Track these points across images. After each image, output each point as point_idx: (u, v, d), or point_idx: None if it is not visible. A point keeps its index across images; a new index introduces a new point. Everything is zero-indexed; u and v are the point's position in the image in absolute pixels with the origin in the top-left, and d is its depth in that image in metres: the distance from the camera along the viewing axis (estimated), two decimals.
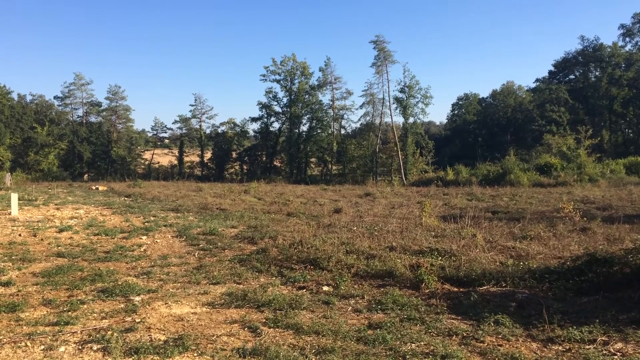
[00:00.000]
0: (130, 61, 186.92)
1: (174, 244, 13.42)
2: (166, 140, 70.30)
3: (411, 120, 54.07)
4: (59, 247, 12.71)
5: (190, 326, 6.79)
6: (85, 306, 7.68)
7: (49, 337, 6.27)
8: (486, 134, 70.31)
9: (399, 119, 59.38)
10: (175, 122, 66.79)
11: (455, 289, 8.58)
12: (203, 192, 30.08)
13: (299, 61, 58.92)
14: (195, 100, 63.78)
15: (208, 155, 63.65)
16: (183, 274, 9.93)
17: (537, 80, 75.75)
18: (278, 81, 59.25)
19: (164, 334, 6.42)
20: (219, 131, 63.53)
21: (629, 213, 17.95)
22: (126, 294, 8.33)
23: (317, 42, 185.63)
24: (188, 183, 43.22)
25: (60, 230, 15.13)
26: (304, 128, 60.31)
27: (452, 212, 19.27)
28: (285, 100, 59.66)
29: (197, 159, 63.31)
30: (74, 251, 12.22)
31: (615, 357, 5.64)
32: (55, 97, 62.99)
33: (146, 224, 16.90)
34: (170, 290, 8.72)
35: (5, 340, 6.18)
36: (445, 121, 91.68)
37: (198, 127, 63.72)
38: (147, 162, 64.48)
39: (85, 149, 57.83)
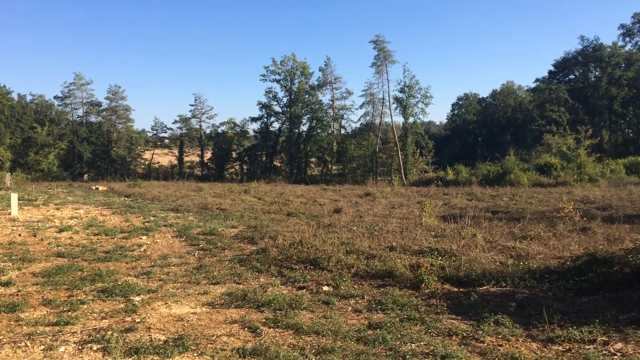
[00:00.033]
0: (130, 61, 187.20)
1: (174, 244, 13.42)
2: (166, 140, 70.33)
3: (411, 120, 54.17)
4: (59, 247, 12.71)
5: (190, 326, 6.79)
6: (85, 306, 7.68)
7: (49, 337, 6.27)
8: (486, 134, 70.32)
9: (399, 119, 59.50)
10: (175, 122, 66.90)
11: (455, 289, 8.58)
12: (203, 192, 30.08)
13: (299, 61, 59.00)
14: (195, 100, 63.93)
15: (208, 155, 63.66)
16: (183, 274, 9.93)
17: (537, 80, 75.89)
18: (278, 81, 59.33)
19: (163, 334, 6.42)
20: (219, 131, 63.60)
21: (629, 213, 17.95)
22: (126, 294, 8.33)
23: (317, 42, 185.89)
24: (188, 183, 43.22)
25: (60, 230, 15.13)
26: (304, 128, 60.45)
27: (452, 212, 19.27)
28: (285, 100, 59.75)
29: (197, 159, 63.32)
30: (73, 251, 12.21)
31: (615, 357, 5.64)
32: (55, 97, 63.15)
33: (146, 224, 16.90)
34: (170, 290, 8.72)
35: (5, 340, 6.18)
36: (445, 121, 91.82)
37: (198, 127, 63.75)
38: (147, 162, 64.50)
39: (85, 149, 57.83)
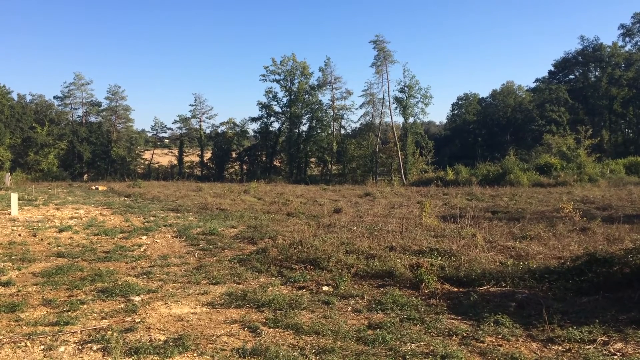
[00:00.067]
0: (130, 61, 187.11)
1: (173, 244, 13.42)
2: (166, 140, 70.31)
3: (411, 120, 54.16)
4: (59, 247, 12.71)
5: (190, 326, 6.79)
6: (85, 306, 7.68)
7: (49, 337, 6.27)
8: (486, 134, 70.32)
9: (398, 119, 59.51)
10: (175, 122, 66.88)
11: (455, 289, 8.58)
12: (203, 192, 30.08)
13: (299, 61, 59.00)
14: (195, 100, 63.93)
15: (208, 155, 63.66)
16: (183, 274, 9.93)
17: (537, 80, 75.87)
18: (278, 81, 59.34)
19: (163, 334, 6.42)
20: (219, 131, 63.60)
21: (628, 213, 17.95)
22: (126, 294, 8.33)
23: (317, 42, 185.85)
24: (188, 183, 43.22)
25: (60, 230, 15.13)
26: (304, 128, 60.45)
27: (452, 212, 19.27)
28: (285, 100, 59.76)
29: (197, 159, 63.32)
30: (73, 251, 12.21)
31: (615, 357, 5.64)
32: (55, 97, 63.13)
33: (146, 224, 16.90)
34: (170, 290, 8.72)
35: (5, 340, 6.18)
36: (445, 121, 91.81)
37: (198, 127, 63.75)
38: (147, 162, 64.50)
39: (85, 149, 57.82)
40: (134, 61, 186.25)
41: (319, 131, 59.09)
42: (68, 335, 6.37)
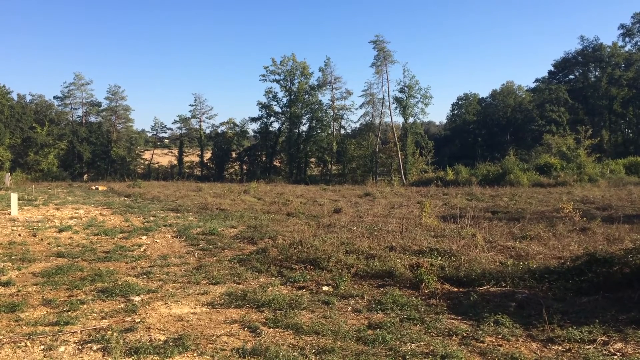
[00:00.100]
0: (130, 61, 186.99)
1: (173, 244, 13.42)
2: (166, 140, 70.31)
3: (411, 120, 54.13)
4: (59, 247, 12.71)
5: (190, 326, 6.79)
6: (85, 306, 7.68)
7: (49, 337, 6.27)
8: (486, 134, 70.32)
9: (398, 119, 59.55)
10: (175, 122, 66.83)
11: (455, 289, 8.58)
12: (203, 192, 30.08)
13: (299, 61, 58.99)
14: (195, 100, 63.88)
15: (208, 155, 63.65)
16: (183, 274, 9.93)
17: (537, 80, 75.85)
18: (278, 81, 59.32)
19: (163, 334, 6.42)
20: (219, 131, 63.58)
21: (628, 213, 17.96)
22: (126, 294, 8.33)
23: (317, 42, 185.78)
24: (188, 183, 43.22)
25: (60, 230, 15.13)
26: (304, 128, 60.43)
27: (451, 212, 19.27)
28: (285, 100, 59.74)
29: (197, 159, 63.31)
30: (73, 251, 12.21)
31: (615, 357, 5.64)
32: (55, 97, 63.10)
33: (146, 224, 16.90)
34: (170, 290, 8.72)
35: (5, 340, 6.18)
36: (445, 121, 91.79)
37: (198, 127, 63.74)
38: (146, 162, 64.49)
39: (85, 149, 57.82)
40: (134, 61, 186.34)
41: (318, 131, 59.08)
42: (68, 335, 6.37)
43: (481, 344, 6.07)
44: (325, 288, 8.82)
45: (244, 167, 62.87)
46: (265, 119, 61.48)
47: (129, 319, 7.08)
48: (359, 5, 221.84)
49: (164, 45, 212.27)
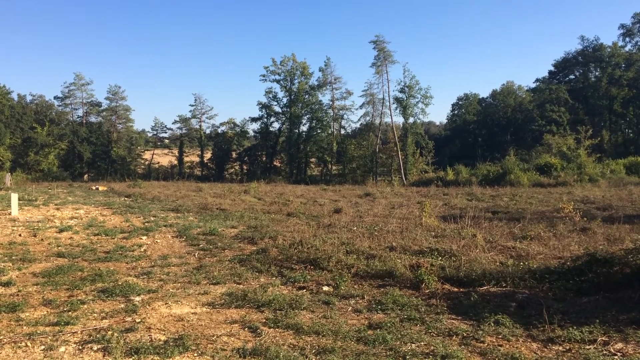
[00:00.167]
0: (130, 61, 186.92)
1: (174, 244, 13.42)
2: (166, 141, 70.33)
3: (411, 120, 54.13)
4: (59, 247, 12.71)
5: (190, 326, 6.79)
6: (85, 306, 7.68)
7: (49, 337, 6.27)
8: (486, 134, 70.32)
9: (399, 119, 59.46)
10: (175, 122, 66.90)
11: (456, 289, 8.58)
12: (203, 192, 30.08)
13: (299, 61, 58.99)
14: (195, 100, 63.89)
15: (208, 155, 63.67)
16: (183, 274, 9.93)
17: (537, 80, 75.86)
18: (278, 81, 59.33)
19: (164, 334, 6.43)
20: (219, 131, 63.59)
21: (629, 213, 17.95)
22: (126, 294, 8.33)
23: (317, 42, 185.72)
24: (188, 183, 43.22)
25: (61, 231, 15.14)
26: (304, 128, 60.43)
27: (452, 212, 19.27)
28: (285, 100, 59.75)
29: (197, 159, 63.33)
30: (74, 251, 12.22)
31: (616, 357, 5.64)
32: (55, 97, 63.09)
33: (146, 224, 16.90)
34: (171, 290, 8.72)
35: (5, 340, 6.18)
36: (445, 121, 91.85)
37: (198, 127, 63.76)
38: (147, 162, 64.51)
39: (85, 149, 57.84)
40: (134, 61, 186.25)
41: (319, 131, 59.09)
42: (68, 335, 6.38)
43: (481, 344, 6.07)
44: (325, 288, 8.82)
45: (244, 167, 62.89)
46: (265, 119, 61.53)
47: (129, 319, 7.08)
48: (359, 5, 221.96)
49: (164, 45, 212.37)
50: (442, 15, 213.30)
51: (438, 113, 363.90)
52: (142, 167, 64.04)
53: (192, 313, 7.43)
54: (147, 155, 65.68)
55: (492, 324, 6.67)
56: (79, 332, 6.49)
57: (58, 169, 55.17)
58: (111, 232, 14.82)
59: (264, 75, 59.26)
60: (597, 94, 65.28)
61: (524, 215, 17.34)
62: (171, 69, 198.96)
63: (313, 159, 62.20)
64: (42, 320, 6.97)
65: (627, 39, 65.97)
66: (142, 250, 12.59)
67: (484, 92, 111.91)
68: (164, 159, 66.26)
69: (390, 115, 54.47)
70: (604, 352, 5.76)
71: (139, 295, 8.30)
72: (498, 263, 9.76)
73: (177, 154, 63.72)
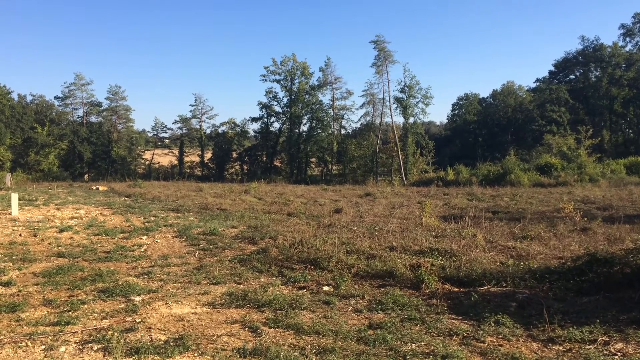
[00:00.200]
0: (130, 61, 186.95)
1: (174, 244, 13.43)
2: (166, 140, 70.38)
3: (411, 120, 54.17)
4: (60, 247, 12.71)
5: (190, 326, 6.79)
6: (85, 306, 7.68)
7: (50, 337, 6.27)
8: (486, 134, 70.32)
9: (399, 119, 59.42)
10: (176, 122, 67.05)
11: (456, 289, 8.58)
12: (203, 192, 30.09)
13: (299, 61, 59.05)
14: (196, 100, 64.01)
15: (208, 155, 63.71)
16: (183, 274, 9.93)
17: (537, 80, 75.85)
18: (278, 81, 59.39)
19: (164, 334, 6.42)
20: (219, 131, 63.65)
21: (629, 213, 17.95)
22: (127, 294, 8.33)
23: (317, 42, 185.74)
24: (188, 183, 43.25)
25: (61, 231, 15.14)
26: (304, 128, 60.52)
27: (452, 212, 19.27)
28: (285, 100, 59.81)
29: (198, 159, 63.37)
30: (74, 251, 12.22)
31: (616, 357, 5.64)
32: (56, 97, 63.20)
33: (146, 224, 16.91)
34: (171, 290, 8.72)
35: (5, 340, 6.18)
36: (445, 121, 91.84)
37: (198, 127, 63.80)
38: (147, 162, 64.57)
39: (85, 149, 57.87)
40: (134, 61, 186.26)
41: (319, 131, 59.13)
42: (69, 335, 6.38)
43: (482, 344, 6.06)
44: (325, 288, 8.81)
45: (245, 167, 62.92)
46: (265, 119, 61.57)
47: (129, 319, 7.08)
48: (359, 5, 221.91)
49: (164, 45, 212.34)
50: (442, 15, 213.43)
51: (438, 113, 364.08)
52: (143, 167, 64.09)
53: (193, 313, 7.43)
54: (147, 155, 65.74)
55: (493, 324, 6.67)
56: (79, 332, 6.49)
57: (58, 169, 55.21)
58: (111, 232, 14.82)
59: (264, 75, 59.45)
60: (597, 94, 65.26)
61: (525, 215, 17.33)
62: (171, 69, 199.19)
63: (313, 159, 62.23)
64: (42, 320, 6.97)
65: (628, 39, 66.01)
66: (142, 250, 12.60)
67: (484, 92, 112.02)
68: (164, 159, 66.29)
69: (391, 115, 54.58)
70: (604, 352, 5.76)
71: (139, 295, 8.30)
72: (498, 263, 9.76)
73: (177, 154, 63.77)
